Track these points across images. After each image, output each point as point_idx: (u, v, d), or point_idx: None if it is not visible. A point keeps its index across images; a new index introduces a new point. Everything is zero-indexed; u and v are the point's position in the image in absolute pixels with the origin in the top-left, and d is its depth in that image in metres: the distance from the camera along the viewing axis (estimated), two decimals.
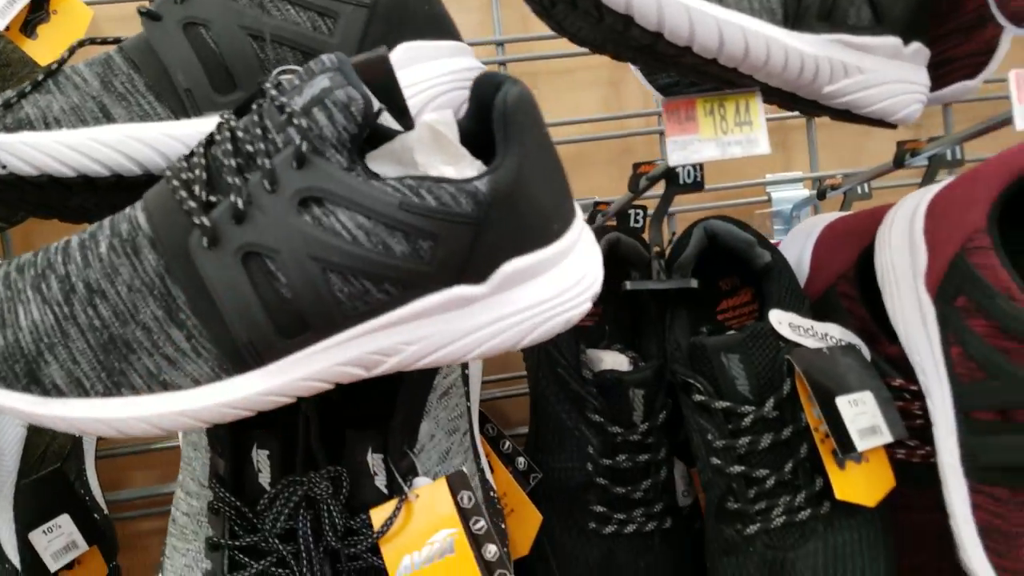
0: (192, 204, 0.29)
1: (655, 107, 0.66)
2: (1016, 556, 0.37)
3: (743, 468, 0.41)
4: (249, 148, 0.30)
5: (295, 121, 0.29)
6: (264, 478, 0.42)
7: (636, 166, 0.48)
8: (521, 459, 0.49)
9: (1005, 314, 0.36)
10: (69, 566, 0.48)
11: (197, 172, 0.30)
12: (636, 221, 0.53)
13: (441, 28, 0.41)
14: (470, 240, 0.30)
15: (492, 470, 0.49)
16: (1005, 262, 0.37)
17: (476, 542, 0.40)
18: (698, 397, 0.42)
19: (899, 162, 0.51)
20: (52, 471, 0.50)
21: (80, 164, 0.34)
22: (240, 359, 0.29)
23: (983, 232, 0.38)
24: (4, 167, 0.33)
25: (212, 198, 0.29)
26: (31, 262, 0.31)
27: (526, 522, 0.48)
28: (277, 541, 0.41)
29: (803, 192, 0.69)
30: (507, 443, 0.49)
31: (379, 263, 0.29)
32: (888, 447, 0.43)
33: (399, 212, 0.29)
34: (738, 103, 0.40)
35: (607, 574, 0.46)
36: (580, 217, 0.35)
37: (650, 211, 0.55)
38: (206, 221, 0.29)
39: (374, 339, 0.31)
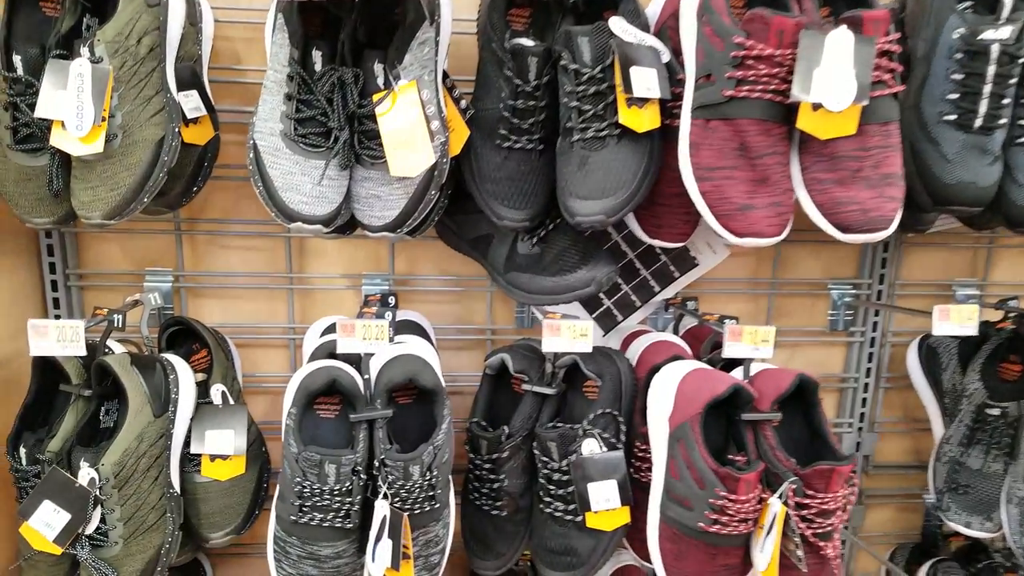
0: None
1: None
2: (699, 155, 0.75)
3: (578, 103, 0.79)
4: None
5: None
6: (318, 66, 0.81)
7: None
8: (463, 101, 0.86)
9: (716, 22, 0.72)
10: (195, 120, 0.88)
11: None
12: None
13: None
14: None
15: (446, 106, 0.87)
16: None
17: (427, 117, 0.79)
18: (563, 62, 0.79)
19: None
20: (189, 58, 0.88)
21: None
22: None
23: None
24: None
25: None
26: None
27: (460, 135, 0.86)
28: (323, 100, 0.80)
29: None
30: (456, 91, 0.87)
31: None
32: (661, 109, 0.80)
33: None
34: None
35: (503, 170, 0.86)
36: None
37: None
38: None
39: None
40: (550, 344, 0.83)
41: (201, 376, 0.97)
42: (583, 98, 0.79)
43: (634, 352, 0.99)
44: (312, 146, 0.81)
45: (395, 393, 0.90)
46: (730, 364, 0.94)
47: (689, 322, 1.08)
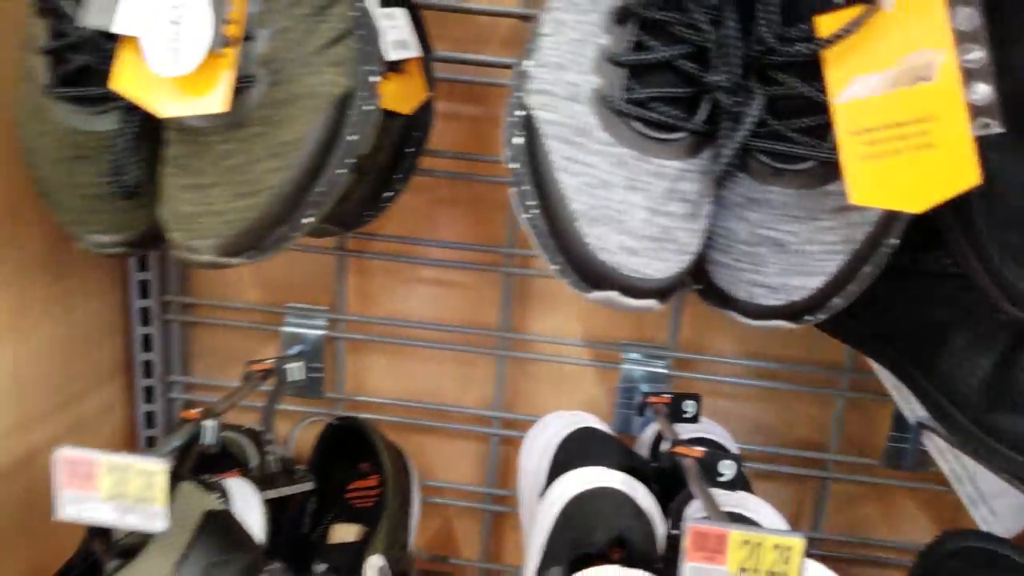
0: None
1: None
2: None
3: None
4: None
5: None
6: None
7: None
8: None
9: None
10: (397, 67, 0.45)
11: None
12: None
13: None
14: None
15: None
16: None
17: (968, 75, 0.32)
18: None
19: None
20: None
21: None
22: None
23: None
24: None
25: None
26: None
27: None
28: (701, 23, 0.34)
29: None
30: None
31: None
32: None
33: None
34: None
35: None
36: None
37: None
38: None
39: None
40: None
41: (354, 531, 0.55)
42: None
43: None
44: (661, 127, 0.36)
45: None
46: None
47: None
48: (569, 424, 0.59)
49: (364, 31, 0.39)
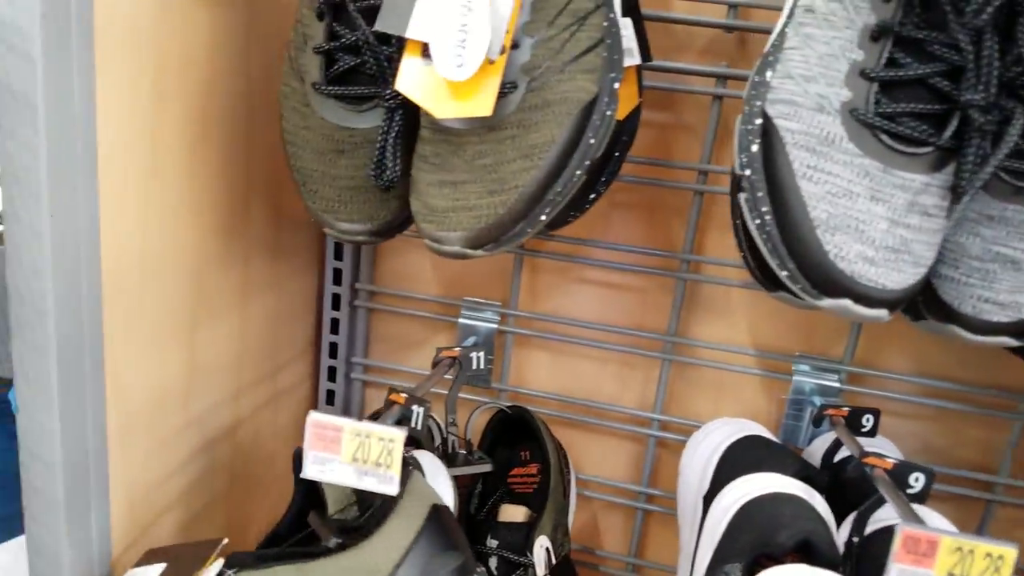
0: None
1: None
2: None
3: None
4: None
5: None
6: None
7: None
8: None
9: None
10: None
11: None
12: None
13: None
14: None
15: None
16: None
17: None
18: None
19: None
20: None
21: None
22: None
23: None
24: None
25: None
26: None
27: None
28: (963, 38, 0.35)
29: None
30: None
31: None
32: None
33: None
34: None
35: None
36: None
37: None
38: None
39: None
40: None
41: (521, 512, 0.58)
42: None
43: None
44: (909, 141, 0.37)
45: None
46: None
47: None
48: (737, 430, 0.60)
49: (611, 40, 0.41)
